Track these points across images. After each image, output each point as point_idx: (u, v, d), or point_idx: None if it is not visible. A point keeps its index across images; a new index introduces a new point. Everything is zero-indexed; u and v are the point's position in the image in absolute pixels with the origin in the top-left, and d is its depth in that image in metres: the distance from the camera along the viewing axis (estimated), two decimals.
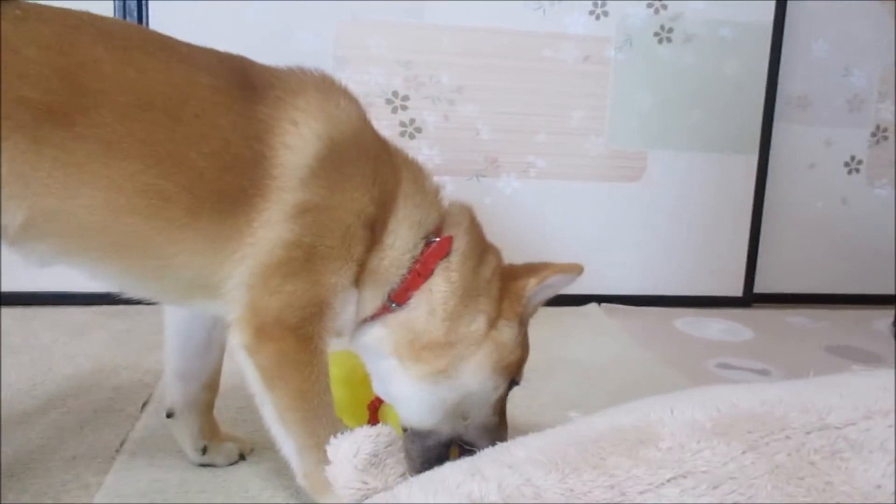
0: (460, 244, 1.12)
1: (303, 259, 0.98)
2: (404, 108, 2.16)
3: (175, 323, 1.19)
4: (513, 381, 1.17)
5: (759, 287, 2.50)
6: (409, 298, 1.09)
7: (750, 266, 2.46)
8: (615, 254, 2.37)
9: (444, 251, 1.10)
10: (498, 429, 1.16)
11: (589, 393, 1.63)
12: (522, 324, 1.17)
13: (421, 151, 2.19)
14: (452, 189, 2.23)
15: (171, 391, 1.21)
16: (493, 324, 1.12)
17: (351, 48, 2.11)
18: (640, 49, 2.26)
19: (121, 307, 2.06)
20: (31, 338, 1.79)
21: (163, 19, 1.99)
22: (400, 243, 1.07)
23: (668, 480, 0.64)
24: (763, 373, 1.85)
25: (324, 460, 0.98)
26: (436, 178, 1.14)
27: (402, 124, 2.17)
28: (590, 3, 2.20)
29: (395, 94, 2.15)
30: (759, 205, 2.43)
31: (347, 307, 1.06)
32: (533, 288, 1.15)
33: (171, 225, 0.93)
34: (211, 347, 1.21)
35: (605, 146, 2.29)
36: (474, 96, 2.19)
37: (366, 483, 0.70)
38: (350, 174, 1.01)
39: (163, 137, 0.91)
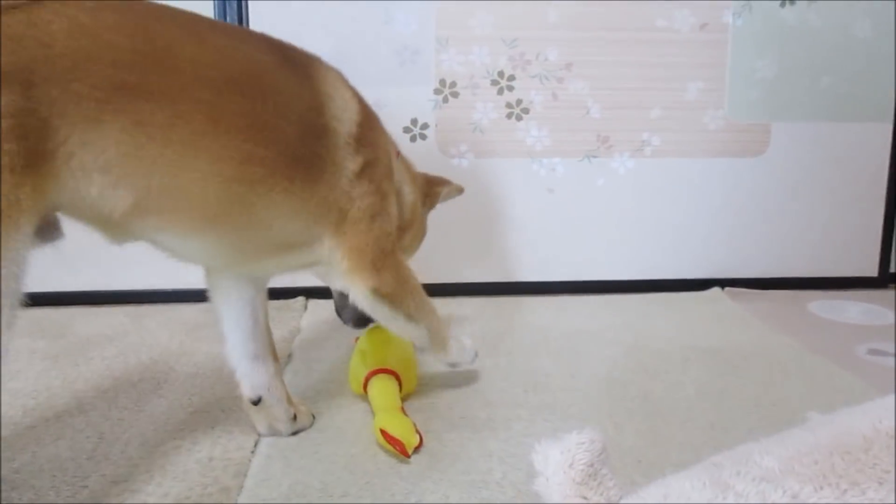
0: (402, 157, 1.42)
1: (379, 202, 1.19)
2: (510, 88, 2.06)
3: (231, 315, 1.26)
4: None
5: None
6: None
7: (885, 244, 2.27)
8: (737, 234, 2.22)
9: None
10: None
11: (738, 385, 1.50)
12: None
13: (529, 133, 2.09)
14: (563, 171, 2.12)
15: (252, 378, 1.26)
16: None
17: (453, 28, 2.01)
18: (760, 13, 2.09)
19: None
20: (148, 336, 1.77)
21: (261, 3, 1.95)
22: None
23: None
24: None
25: (441, 323, 1.34)
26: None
27: (509, 105, 2.07)
28: None
29: (500, 74, 2.05)
30: (894, 177, 2.23)
31: None
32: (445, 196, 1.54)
33: (273, 190, 1.01)
34: (261, 320, 1.28)
35: (725, 119, 2.14)
36: (584, 72, 2.07)
37: (585, 498, 0.61)
38: (379, 130, 1.24)
39: (258, 108, 0.99)
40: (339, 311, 1.48)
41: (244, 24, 1.95)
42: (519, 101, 2.07)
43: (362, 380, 1.37)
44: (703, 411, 1.38)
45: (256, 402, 1.26)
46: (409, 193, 1.38)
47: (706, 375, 1.55)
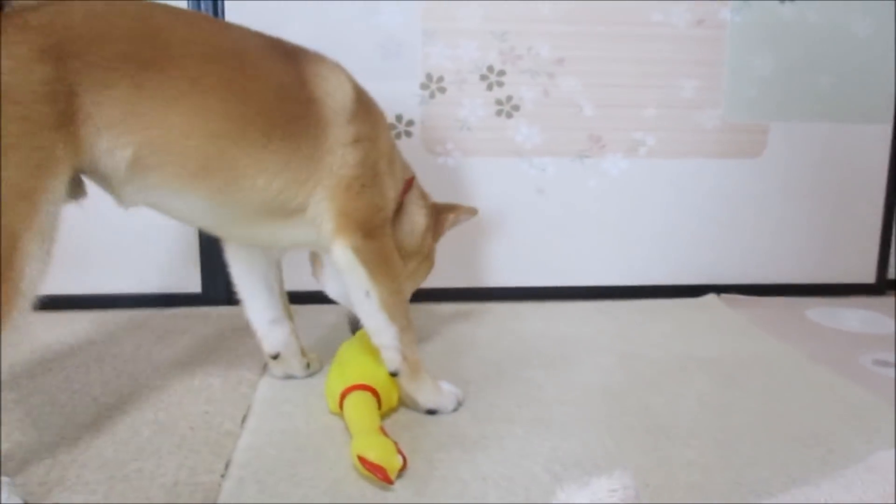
0: (416, 182, 1.48)
1: (371, 175, 1.26)
2: (500, 84, 1.96)
3: (248, 286, 1.43)
4: None
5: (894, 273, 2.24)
6: None
7: (883, 250, 2.20)
8: (733, 239, 2.14)
9: (410, 186, 1.44)
10: None
11: (741, 398, 1.42)
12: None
13: (519, 131, 1.99)
14: (554, 171, 2.04)
15: (271, 339, 1.44)
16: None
17: (440, 20, 1.92)
18: (759, 9, 2.02)
19: (202, 309, 1.93)
20: (113, 345, 1.65)
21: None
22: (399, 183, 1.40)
23: None
24: None
25: (414, 340, 1.31)
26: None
27: (498, 102, 1.97)
28: None
29: (489, 69, 1.95)
30: (893, 181, 2.17)
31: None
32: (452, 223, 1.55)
33: (253, 145, 1.13)
34: (276, 289, 1.45)
35: (722, 119, 2.06)
36: (576, 69, 1.98)
37: None
38: (378, 115, 1.33)
39: (236, 75, 1.14)
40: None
41: (220, 16, 1.84)
42: (509, 98, 1.98)
43: (338, 397, 1.27)
44: (708, 426, 1.29)
45: (275, 357, 1.45)
46: (422, 221, 1.45)
47: (707, 387, 1.47)
